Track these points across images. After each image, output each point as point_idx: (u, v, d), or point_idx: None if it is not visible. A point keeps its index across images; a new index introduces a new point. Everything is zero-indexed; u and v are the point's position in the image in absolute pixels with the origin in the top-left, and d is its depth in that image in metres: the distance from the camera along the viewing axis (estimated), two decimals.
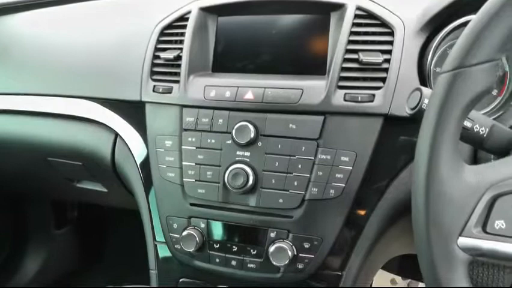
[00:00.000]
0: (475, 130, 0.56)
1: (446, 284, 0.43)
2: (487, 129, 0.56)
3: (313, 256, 0.69)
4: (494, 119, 0.67)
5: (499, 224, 0.43)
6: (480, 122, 0.56)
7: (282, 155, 0.69)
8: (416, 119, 0.51)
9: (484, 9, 0.43)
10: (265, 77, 0.75)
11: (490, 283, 0.64)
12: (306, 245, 0.69)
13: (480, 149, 0.57)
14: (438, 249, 0.43)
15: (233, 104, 0.73)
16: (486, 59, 0.42)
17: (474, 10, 0.53)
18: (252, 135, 0.70)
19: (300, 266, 0.69)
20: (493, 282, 0.64)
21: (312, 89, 0.70)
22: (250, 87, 0.72)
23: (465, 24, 0.69)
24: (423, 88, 0.52)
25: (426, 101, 0.53)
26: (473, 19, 0.44)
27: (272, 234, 0.70)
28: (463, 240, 0.43)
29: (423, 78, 0.70)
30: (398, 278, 1.24)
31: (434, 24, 0.70)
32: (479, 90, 0.43)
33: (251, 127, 0.70)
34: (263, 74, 0.76)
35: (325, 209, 0.68)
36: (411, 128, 0.65)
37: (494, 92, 0.73)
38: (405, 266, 1.16)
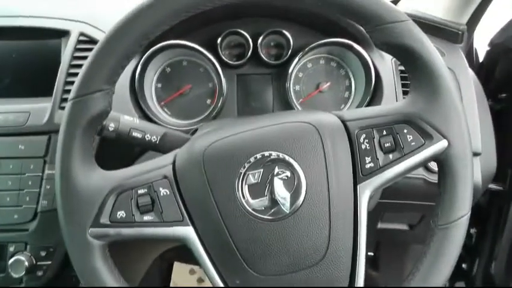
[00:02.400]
0: (147, 139, 0.68)
1: (89, 268, 0.53)
2: (159, 137, 0.68)
3: (50, 262, 0.76)
4: None
5: (120, 214, 0.53)
6: (151, 131, 0.68)
7: (13, 174, 0.75)
8: None
9: (93, 51, 0.53)
10: (2, 101, 0.80)
11: None
12: (43, 254, 0.76)
13: (158, 152, 0.68)
14: (75, 240, 0.53)
15: None
16: (95, 90, 0.53)
17: None
18: None
19: (40, 274, 0.76)
20: None
21: (38, 110, 0.77)
22: None
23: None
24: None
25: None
26: (89, 56, 0.54)
27: (11, 249, 0.76)
28: (94, 230, 0.53)
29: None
30: (196, 268, 1.36)
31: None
32: (95, 114, 0.53)
33: None
34: (2, 99, 0.81)
35: (57, 218, 0.75)
36: None
37: (208, 102, 0.87)
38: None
